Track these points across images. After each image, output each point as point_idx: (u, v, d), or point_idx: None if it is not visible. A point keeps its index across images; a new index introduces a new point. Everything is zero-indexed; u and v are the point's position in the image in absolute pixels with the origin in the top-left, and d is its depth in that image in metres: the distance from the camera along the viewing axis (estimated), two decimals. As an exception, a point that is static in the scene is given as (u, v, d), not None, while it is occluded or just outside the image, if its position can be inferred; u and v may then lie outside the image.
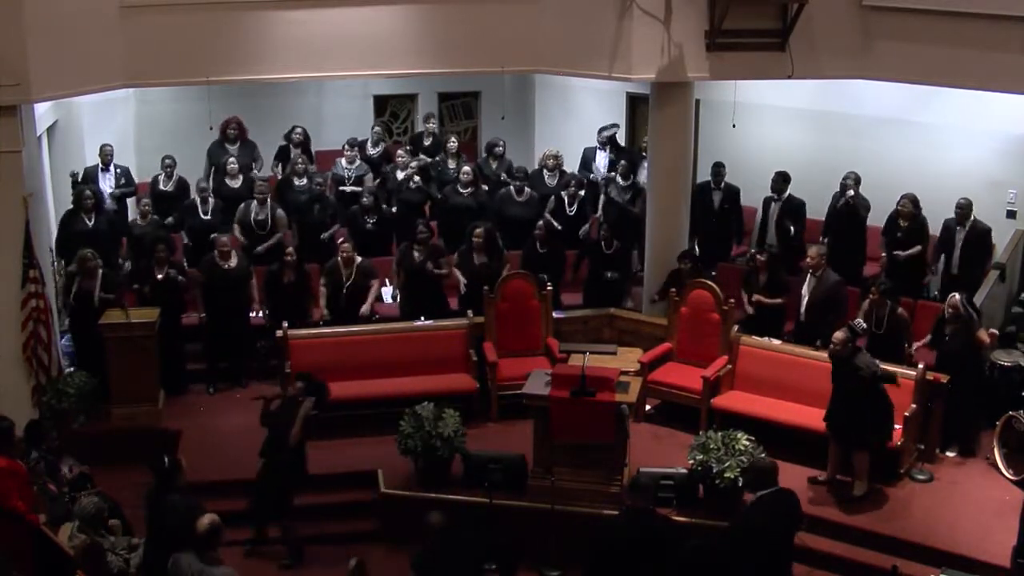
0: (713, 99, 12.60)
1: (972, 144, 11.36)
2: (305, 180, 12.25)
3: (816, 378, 9.08)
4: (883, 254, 11.02)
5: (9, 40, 9.13)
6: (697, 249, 12.30)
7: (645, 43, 10.18)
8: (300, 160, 12.43)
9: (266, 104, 13.76)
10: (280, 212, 11.67)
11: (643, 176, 12.61)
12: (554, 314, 10.84)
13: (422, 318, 10.64)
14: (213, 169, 12.58)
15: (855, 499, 8.77)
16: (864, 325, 9.71)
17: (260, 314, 10.92)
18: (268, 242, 11.41)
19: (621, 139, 13.84)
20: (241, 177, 12.03)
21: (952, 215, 10.75)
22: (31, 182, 9.80)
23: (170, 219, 11.84)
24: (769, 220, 11.60)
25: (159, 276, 10.40)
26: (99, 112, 12.99)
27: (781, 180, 11.55)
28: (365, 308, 10.73)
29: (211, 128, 12.30)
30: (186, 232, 11.72)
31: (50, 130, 11.98)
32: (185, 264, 11.09)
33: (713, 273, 11.40)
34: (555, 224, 11.71)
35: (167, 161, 12.32)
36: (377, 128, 13.69)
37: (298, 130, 13.00)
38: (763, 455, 8.39)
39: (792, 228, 11.39)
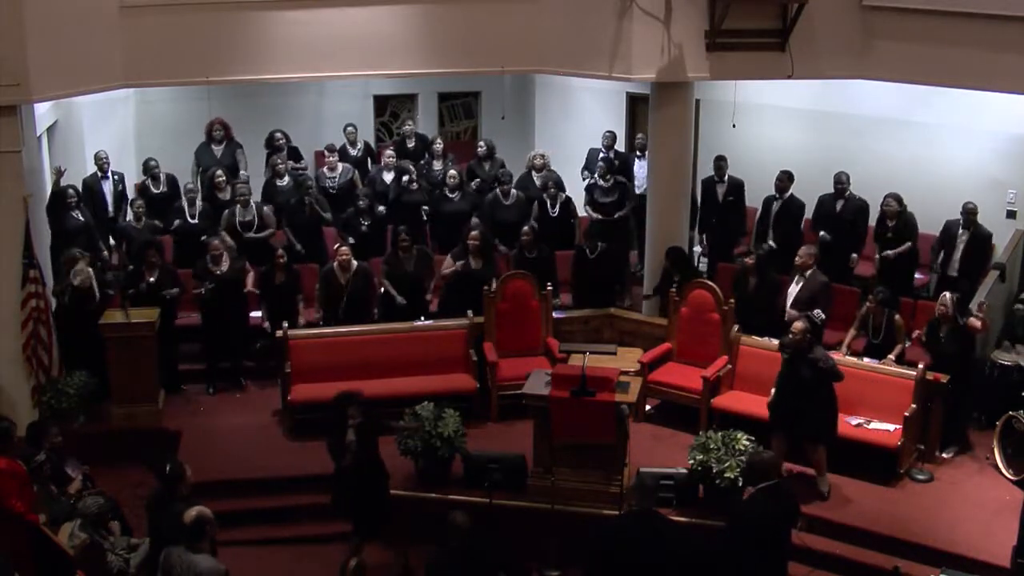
0: (713, 99, 12.60)
1: (972, 144, 11.36)
2: (287, 179, 12.24)
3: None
4: (877, 256, 11.02)
5: (9, 40, 9.12)
6: (701, 245, 12.32)
7: (645, 43, 10.18)
8: (280, 160, 12.41)
9: (266, 104, 13.76)
10: (266, 209, 11.73)
11: (638, 173, 12.63)
12: (554, 314, 10.84)
13: (422, 318, 10.64)
14: (201, 171, 12.58)
15: (825, 496, 8.80)
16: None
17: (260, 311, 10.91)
18: (261, 234, 11.47)
19: (621, 141, 13.86)
20: (229, 188, 11.95)
21: (952, 215, 10.75)
22: (31, 182, 9.80)
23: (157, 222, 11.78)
24: (770, 219, 11.59)
25: (151, 279, 10.40)
26: (99, 112, 12.99)
27: (787, 179, 11.53)
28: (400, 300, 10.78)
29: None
30: (174, 234, 11.65)
31: (50, 130, 11.98)
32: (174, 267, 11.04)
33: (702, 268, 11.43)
34: (535, 225, 11.55)
35: (151, 163, 12.30)
36: (351, 128, 13.50)
37: (278, 135, 12.97)
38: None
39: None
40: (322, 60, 10.48)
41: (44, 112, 11.01)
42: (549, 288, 10.69)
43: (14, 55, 9.15)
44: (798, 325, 8.69)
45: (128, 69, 10.14)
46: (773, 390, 8.87)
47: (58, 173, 11.67)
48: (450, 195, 12.12)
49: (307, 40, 10.34)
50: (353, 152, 13.30)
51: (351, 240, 11.24)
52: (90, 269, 10.19)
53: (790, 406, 8.68)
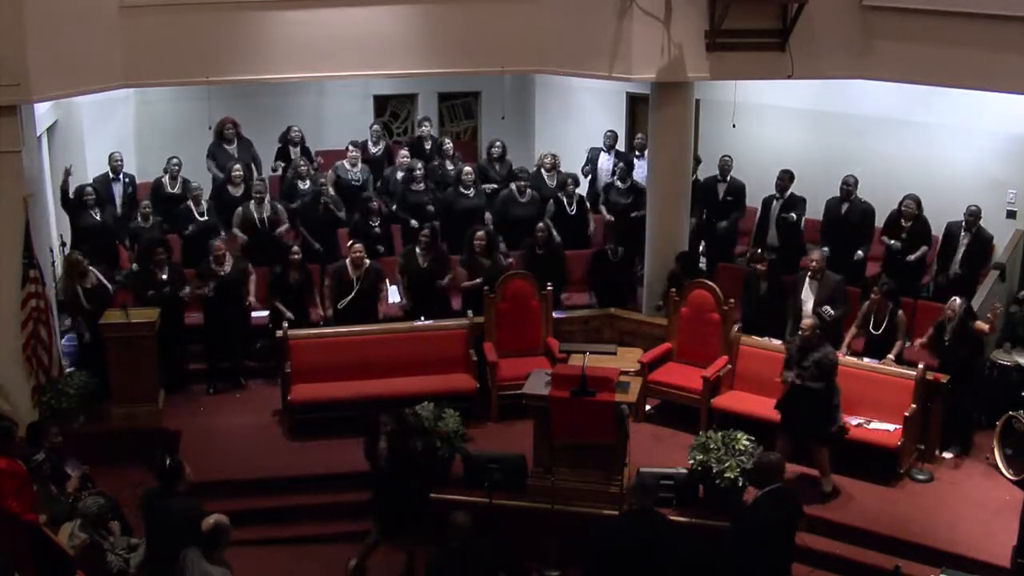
0: (713, 99, 12.61)
1: (972, 144, 11.36)
2: (309, 183, 12.26)
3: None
4: (884, 240, 11.01)
5: (9, 40, 9.12)
6: (703, 246, 12.34)
7: (645, 43, 10.17)
8: (302, 162, 12.47)
9: (266, 104, 13.77)
10: (279, 206, 11.75)
11: (639, 174, 12.66)
12: (554, 314, 10.84)
13: (422, 318, 10.64)
14: (218, 167, 12.60)
15: (827, 496, 8.80)
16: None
17: (265, 312, 10.89)
18: (279, 230, 11.57)
19: (621, 141, 13.87)
20: (243, 186, 12.01)
21: (953, 216, 10.76)
22: (31, 182, 9.79)
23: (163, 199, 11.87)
24: (770, 218, 11.59)
25: (163, 277, 10.40)
26: (99, 112, 13.00)
27: (788, 178, 11.54)
28: (384, 308, 10.83)
29: (209, 128, 12.36)
30: (185, 238, 11.66)
31: (50, 130, 11.98)
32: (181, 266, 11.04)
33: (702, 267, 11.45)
34: (554, 232, 11.69)
35: (174, 162, 12.32)
36: (376, 127, 13.69)
37: (295, 129, 13.01)
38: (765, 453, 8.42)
39: (795, 215, 11.38)
40: (322, 60, 10.47)
41: (44, 112, 11.01)
42: (549, 288, 10.70)
43: (14, 55, 9.14)
44: (807, 322, 8.76)
45: (128, 69, 10.13)
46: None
47: (66, 173, 11.67)
48: (465, 191, 12.15)
49: (307, 40, 10.33)
50: (375, 151, 13.32)
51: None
52: (91, 269, 10.22)
53: (793, 406, 8.69)
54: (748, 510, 7.28)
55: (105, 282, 10.30)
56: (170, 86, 12.14)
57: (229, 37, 10.24)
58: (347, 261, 10.60)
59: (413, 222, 11.97)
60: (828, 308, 9.78)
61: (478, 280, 10.83)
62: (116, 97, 12.80)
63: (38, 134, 10.59)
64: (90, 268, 10.23)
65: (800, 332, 8.72)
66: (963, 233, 10.65)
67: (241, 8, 10.22)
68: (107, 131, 13.16)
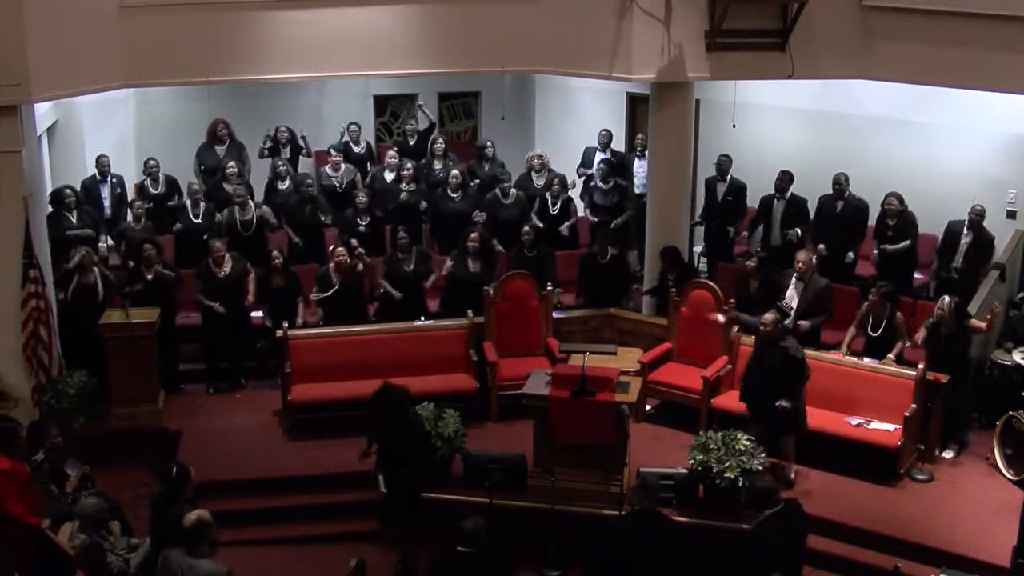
0: (713, 99, 12.60)
1: (972, 144, 11.36)
2: (288, 182, 12.25)
3: (815, 379, 9.04)
4: (875, 251, 11.05)
5: (9, 40, 9.12)
6: (701, 247, 12.35)
7: (645, 43, 10.17)
8: (280, 163, 12.45)
9: (266, 104, 13.74)
10: (266, 208, 11.74)
11: (637, 174, 12.63)
12: (554, 314, 10.84)
13: (422, 318, 10.64)
14: (203, 170, 12.58)
15: (792, 483, 8.84)
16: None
17: (262, 313, 10.89)
18: (271, 219, 11.57)
19: (620, 141, 13.86)
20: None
21: (953, 215, 10.76)
22: (31, 182, 9.79)
23: (150, 200, 11.88)
24: (773, 219, 11.58)
25: (148, 276, 10.40)
26: (99, 112, 12.99)
27: (788, 180, 11.54)
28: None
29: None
30: (177, 235, 11.67)
31: (50, 130, 11.98)
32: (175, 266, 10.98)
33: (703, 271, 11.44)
34: (538, 224, 11.69)
35: (151, 163, 12.32)
36: (354, 126, 13.52)
37: (283, 129, 13.00)
38: (763, 460, 8.42)
39: (799, 233, 11.38)
40: (322, 60, 10.47)
41: (44, 112, 11.01)
42: (549, 288, 10.70)
43: (14, 55, 9.14)
44: (768, 317, 8.83)
45: (128, 69, 10.13)
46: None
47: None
48: (452, 195, 12.12)
49: (307, 40, 10.33)
50: (356, 150, 13.30)
51: (354, 241, 11.19)
52: (96, 269, 10.23)
53: (760, 395, 8.75)
54: (753, 534, 7.17)
55: (101, 287, 10.24)
56: (170, 86, 12.13)
57: (229, 37, 10.24)
58: (331, 265, 10.61)
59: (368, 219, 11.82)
60: (787, 302, 9.81)
61: (444, 270, 10.86)
62: (116, 97, 12.78)
63: (38, 134, 10.59)
64: (95, 268, 10.21)
65: (763, 328, 8.78)
66: (965, 231, 10.64)
67: (241, 8, 10.22)
68: (107, 131, 13.16)
